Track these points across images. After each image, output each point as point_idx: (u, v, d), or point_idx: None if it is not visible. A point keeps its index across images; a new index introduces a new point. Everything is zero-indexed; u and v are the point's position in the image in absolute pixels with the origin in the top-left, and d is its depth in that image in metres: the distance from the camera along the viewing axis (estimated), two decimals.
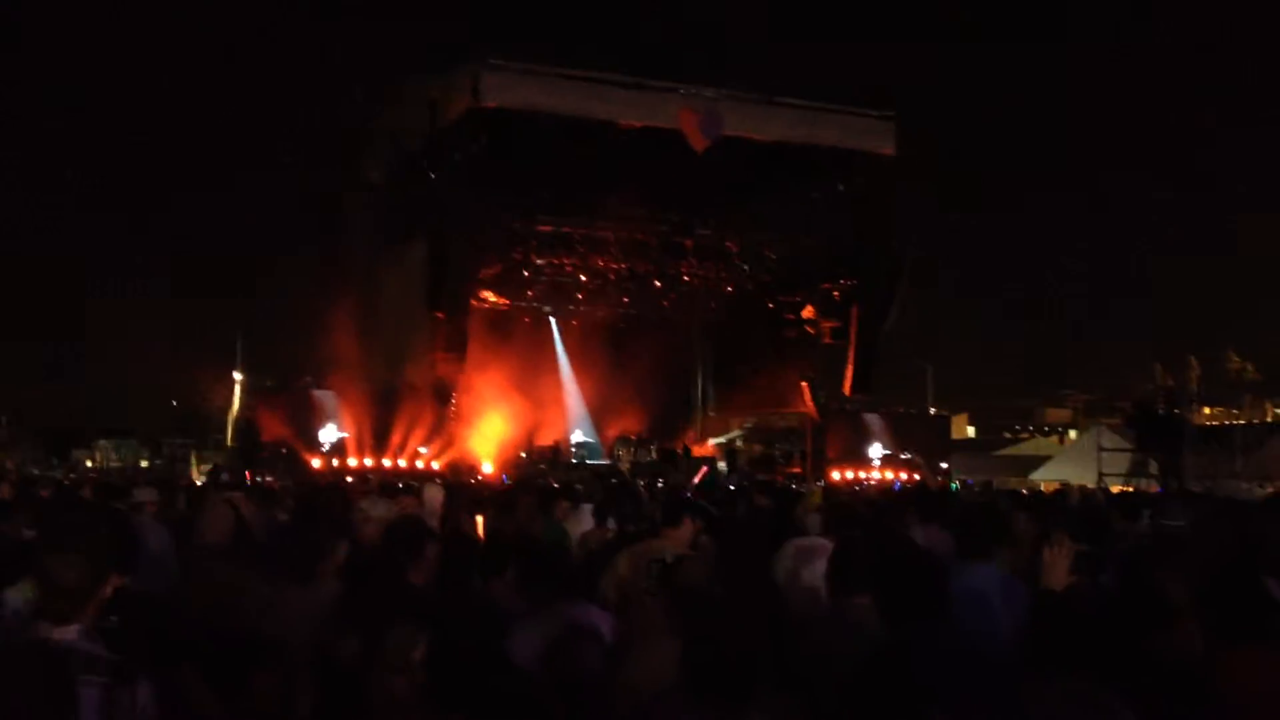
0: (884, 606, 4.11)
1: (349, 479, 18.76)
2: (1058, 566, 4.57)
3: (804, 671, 3.75)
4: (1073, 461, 33.39)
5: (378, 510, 7.14)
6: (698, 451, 28.31)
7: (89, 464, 36.32)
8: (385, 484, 12.10)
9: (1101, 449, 26.89)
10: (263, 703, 3.78)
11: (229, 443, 30.10)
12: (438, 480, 13.82)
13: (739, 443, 29.96)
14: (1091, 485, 22.42)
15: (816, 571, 4.83)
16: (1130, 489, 20.75)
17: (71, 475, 26.36)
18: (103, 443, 39.21)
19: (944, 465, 28.52)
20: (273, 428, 24.10)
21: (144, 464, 36.48)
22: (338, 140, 24.89)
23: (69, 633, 2.99)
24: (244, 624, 4.45)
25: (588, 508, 9.01)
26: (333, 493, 11.37)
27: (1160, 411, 24.44)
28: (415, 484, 11.99)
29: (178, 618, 4.11)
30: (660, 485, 18.95)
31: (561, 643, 3.76)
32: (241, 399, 29.71)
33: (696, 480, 23.83)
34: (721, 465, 26.88)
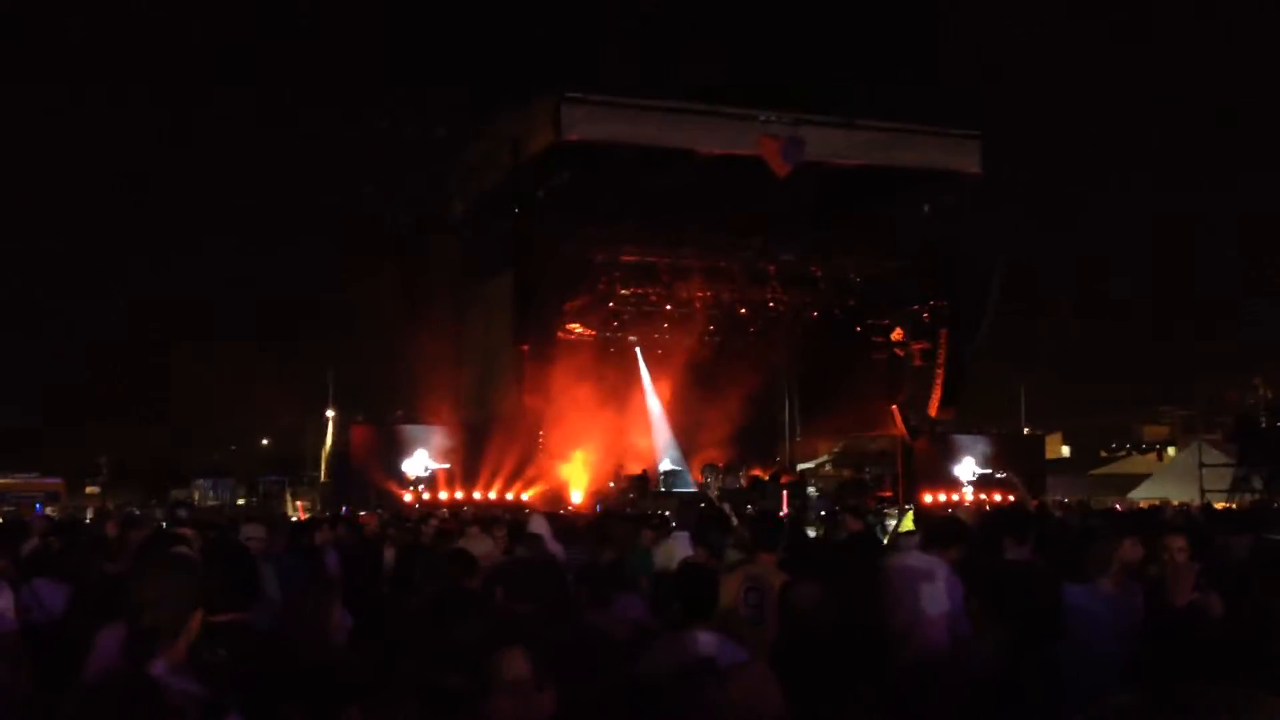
0: (1006, 626, 4.06)
1: (444, 512, 18.92)
2: (1182, 582, 4.49)
3: (917, 694, 3.73)
4: (1172, 479, 32.69)
5: (479, 549, 7.18)
6: (786, 478, 28.12)
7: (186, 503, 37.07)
8: (481, 517, 12.17)
9: (1202, 465, 26.29)
10: None
11: (322, 479, 30.56)
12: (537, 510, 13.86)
13: (828, 467, 29.73)
14: (1193, 502, 21.91)
15: (926, 591, 4.79)
16: (1234, 505, 20.23)
17: (179, 512, 26.92)
18: (200, 482, 40.03)
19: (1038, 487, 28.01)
20: (365, 463, 24.41)
21: (240, 502, 37.17)
22: (422, 178, 25.27)
23: (157, 668, 3.04)
24: (338, 658, 4.52)
25: (684, 535, 9.01)
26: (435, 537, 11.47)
27: (1262, 425, 23.84)
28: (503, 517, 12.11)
29: (280, 653, 4.18)
30: (750, 510, 18.84)
31: (689, 674, 3.76)
32: (334, 435, 30.14)
33: (787, 506, 23.71)
34: (812, 490, 26.68)
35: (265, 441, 49.58)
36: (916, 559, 6.52)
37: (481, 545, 7.63)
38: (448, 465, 23.79)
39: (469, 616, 4.11)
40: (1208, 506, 19.48)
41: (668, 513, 16.86)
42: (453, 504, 22.13)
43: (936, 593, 4.98)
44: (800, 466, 29.67)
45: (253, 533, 8.04)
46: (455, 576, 6.20)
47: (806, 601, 4.69)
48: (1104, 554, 5.30)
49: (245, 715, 3.08)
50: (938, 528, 7.93)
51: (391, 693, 3.87)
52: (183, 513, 17.05)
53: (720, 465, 27.82)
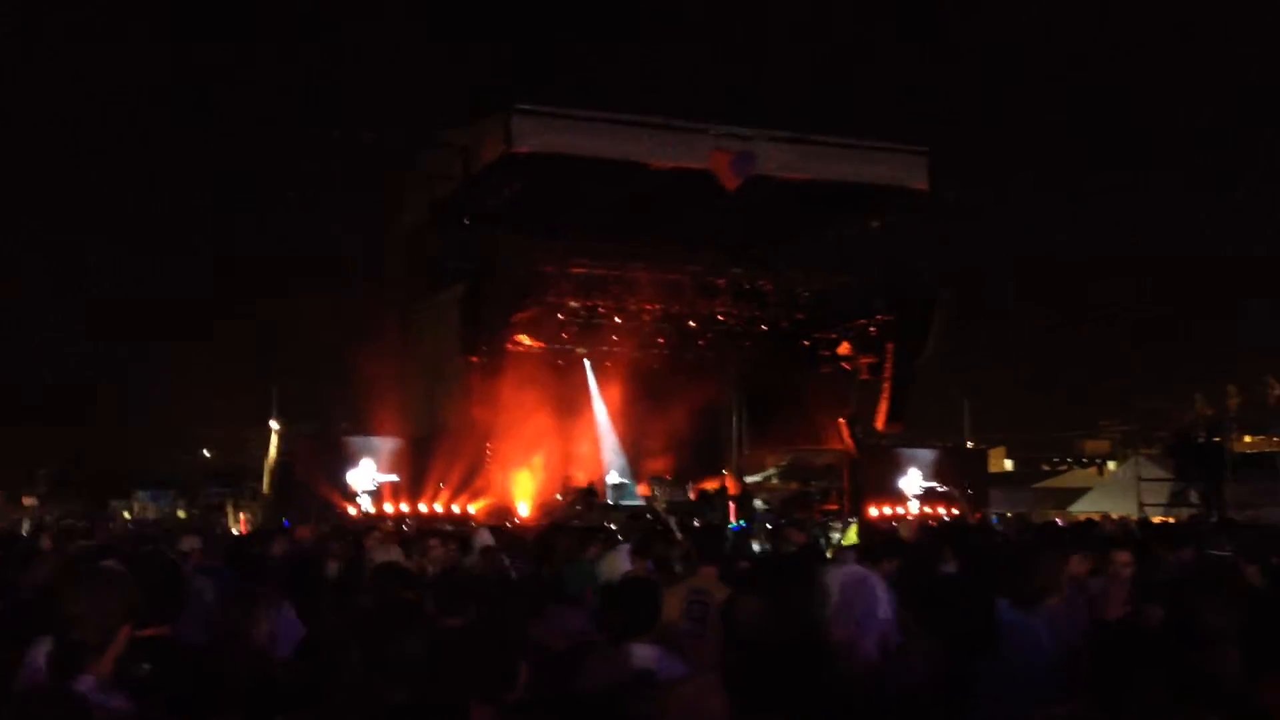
0: (936, 640, 4.10)
1: (389, 525, 18.79)
2: (1116, 595, 4.56)
3: (855, 707, 3.74)
4: (1112, 493, 33.08)
5: (382, 555, 7.15)
6: (733, 491, 28.19)
7: (126, 515, 36.52)
8: (432, 530, 12.08)
9: (1141, 479, 26.64)
10: None
11: (265, 491, 30.22)
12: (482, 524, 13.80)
13: (775, 480, 29.86)
14: (1131, 516, 22.20)
15: (864, 603, 4.82)
16: (1171, 519, 20.53)
17: (111, 525, 26.50)
18: (140, 494, 39.40)
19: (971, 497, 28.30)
20: (310, 475, 24.19)
21: (181, 515, 36.63)
22: (372, 188, 25.14)
23: (84, 684, 2.99)
24: (275, 669, 4.48)
25: (625, 548, 9.01)
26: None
27: (1200, 440, 24.19)
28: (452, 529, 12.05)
29: (209, 666, 4.14)
30: (696, 524, 18.89)
31: (625, 686, 3.76)
32: (278, 447, 29.83)
33: (735, 519, 23.78)
34: (758, 503, 26.77)
35: (207, 453, 48.94)
36: (852, 572, 6.59)
37: (388, 553, 7.58)
38: (396, 477, 23.63)
39: (410, 630, 4.09)
40: (1145, 520, 19.76)
41: (614, 525, 16.82)
42: (398, 516, 21.99)
43: (871, 606, 5.01)
44: (747, 480, 29.76)
45: (190, 545, 7.97)
46: (386, 589, 6.17)
47: (749, 616, 4.71)
48: (1051, 570, 5.37)
49: None
50: (873, 541, 8.02)
51: (332, 705, 3.85)
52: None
53: (668, 478, 27.87)
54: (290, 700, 3.91)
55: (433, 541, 9.64)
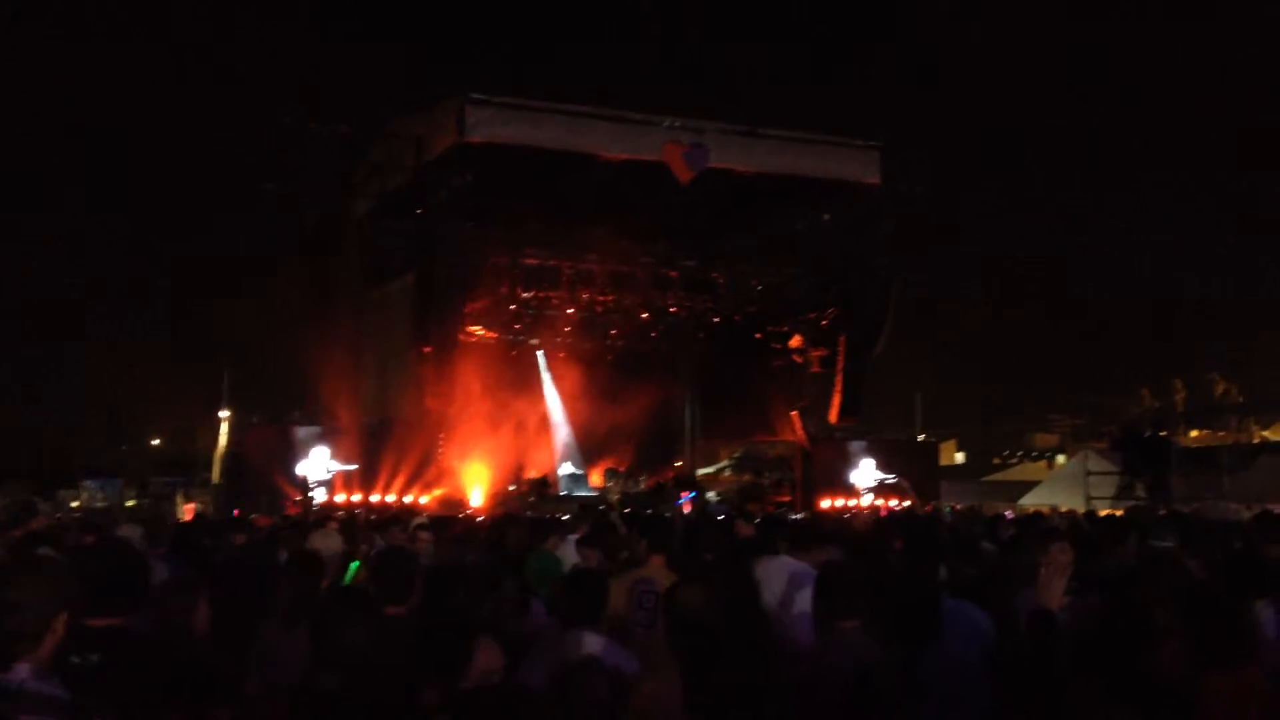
0: (880, 630, 4.15)
1: (341, 514, 18.68)
2: (1053, 586, 4.62)
3: (793, 698, 3.78)
4: (1061, 486, 33.47)
5: (327, 545, 7.13)
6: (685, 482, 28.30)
7: (74, 504, 36.07)
8: (380, 520, 12.01)
9: (1089, 473, 26.97)
10: None
11: (215, 480, 29.98)
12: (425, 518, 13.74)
13: (728, 472, 29.99)
14: (1079, 509, 22.45)
15: (808, 597, 4.86)
16: (1118, 512, 20.79)
17: (58, 515, 26.17)
18: (88, 483, 38.91)
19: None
20: (260, 464, 24.00)
21: (130, 503, 36.24)
22: (324, 177, 24.93)
23: (19, 673, 2.99)
24: (206, 660, 4.47)
25: (572, 539, 9.03)
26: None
27: (1147, 434, 24.53)
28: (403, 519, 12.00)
29: (155, 656, 4.12)
30: (649, 514, 18.93)
31: (573, 673, 3.78)
32: (228, 435, 29.60)
33: (687, 509, 23.85)
34: (712, 494, 26.87)
35: (156, 441, 48.48)
36: (786, 562, 6.67)
37: (329, 542, 7.53)
38: (352, 466, 23.48)
39: (353, 617, 4.08)
40: (1092, 513, 19.99)
41: (566, 517, 16.83)
42: (349, 506, 21.86)
43: (804, 594, 5.08)
44: (700, 471, 29.88)
45: (129, 533, 7.89)
46: (304, 578, 6.15)
47: (691, 603, 4.74)
48: (1029, 563, 5.43)
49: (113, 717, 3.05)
50: (805, 531, 8.09)
51: (262, 694, 3.84)
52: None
53: (621, 470, 27.93)
54: (222, 690, 3.90)
55: (423, 535, 9.52)
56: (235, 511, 20.69)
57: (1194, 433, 43.40)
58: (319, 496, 22.88)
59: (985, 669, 4.20)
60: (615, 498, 25.51)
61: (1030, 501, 33.30)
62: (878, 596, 4.30)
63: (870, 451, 28.23)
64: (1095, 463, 28.62)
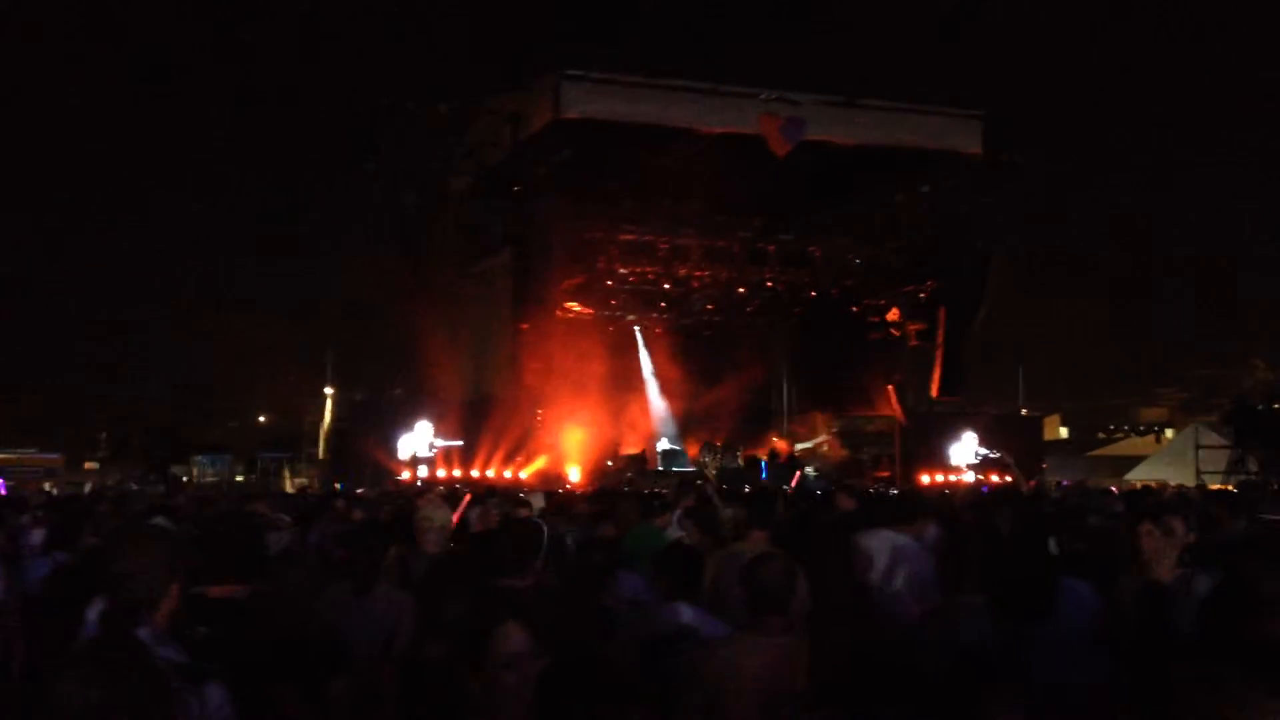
0: (995, 604, 4.08)
1: (441, 489, 18.95)
2: (1165, 558, 4.51)
3: (907, 672, 3.74)
4: (1169, 461, 32.73)
5: (439, 517, 7.15)
6: (784, 457, 28.14)
7: (185, 479, 37.11)
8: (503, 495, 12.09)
9: (1199, 446, 26.35)
10: (339, 708, 3.85)
11: (321, 456, 30.59)
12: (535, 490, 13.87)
13: (826, 448, 29.77)
14: (1189, 484, 21.94)
15: (909, 570, 4.82)
16: (1229, 487, 20.27)
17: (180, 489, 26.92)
18: (198, 459, 40.00)
19: (1043, 466, 28.05)
20: (363, 441, 24.42)
21: (239, 479, 37.19)
22: (422, 155, 25.20)
23: (139, 635, 3.07)
24: (319, 631, 4.54)
25: (674, 514, 9.04)
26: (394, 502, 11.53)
27: (1260, 407, 23.86)
28: (506, 494, 12.10)
29: (265, 626, 4.20)
30: (746, 490, 18.89)
31: (667, 643, 3.80)
32: (333, 413, 30.16)
33: (793, 484, 23.75)
34: (810, 470, 26.71)
35: (263, 418, 49.59)
36: (887, 536, 6.60)
37: (440, 514, 7.56)
38: (454, 442, 23.79)
39: (458, 588, 4.14)
40: (1203, 488, 19.52)
41: (664, 491, 16.87)
42: (449, 481, 22.15)
43: (904, 567, 5.02)
44: (798, 446, 29.72)
45: (261, 510, 8.07)
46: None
47: (772, 576, 4.72)
48: (1138, 538, 5.33)
49: (231, 687, 3.10)
50: (906, 504, 7.99)
51: (374, 663, 3.91)
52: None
53: (718, 444, 27.88)
54: (335, 662, 3.97)
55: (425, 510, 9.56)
56: (340, 486, 21.09)
57: None
58: (422, 472, 23.25)
59: (1094, 645, 4.12)
60: (712, 472, 25.48)
61: (1137, 476, 32.62)
62: (988, 571, 4.24)
63: (971, 426, 27.84)
64: (1205, 437, 27.95)
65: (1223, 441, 25.58)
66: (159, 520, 7.28)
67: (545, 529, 5.92)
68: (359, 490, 18.41)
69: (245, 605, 4.24)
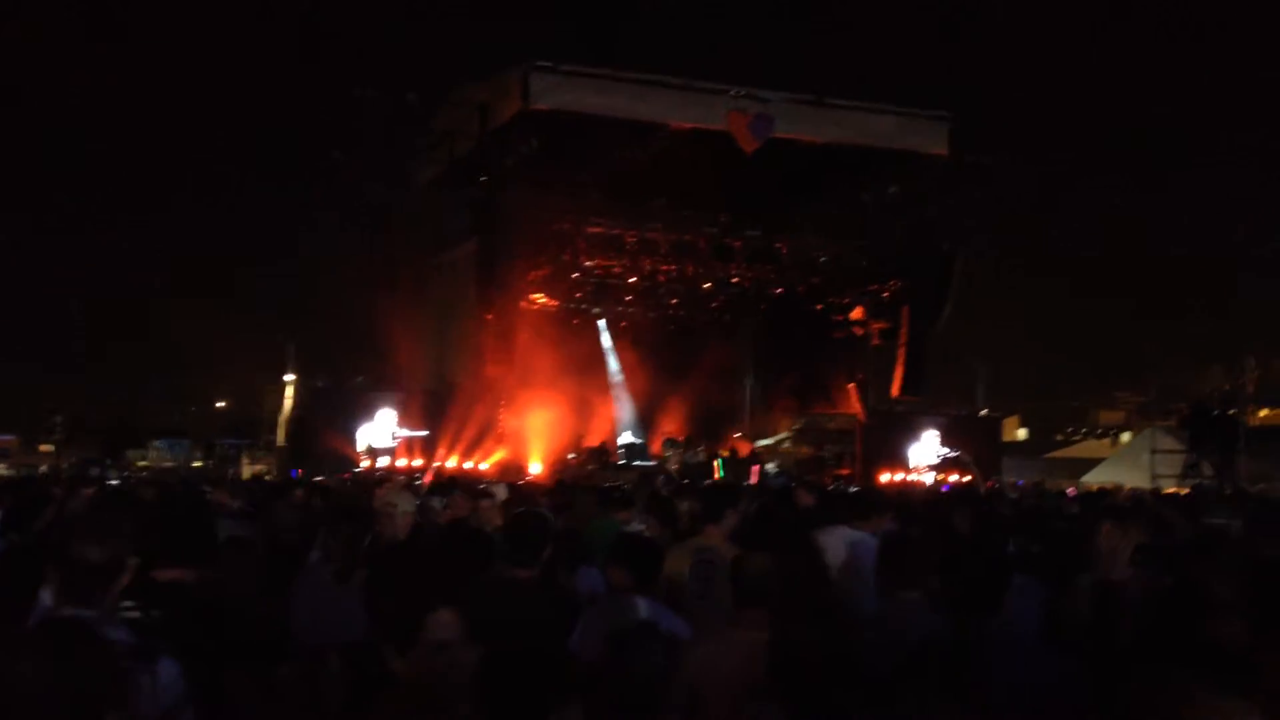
0: (945, 599, 4.12)
1: (401, 479, 18.88)
2: (1119, 557, 4.58)
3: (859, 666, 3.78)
4: (1125, 463, 33.03)
5: (403, 504, 7.14)
6: (745, 453, 28.24)
7: (141, 464, 36.80)
8: (464, 486, 12.06)
9: (1155, 450, 26.61)
10: (291, 692, 3.85)
11: (279, 443, 30.41)
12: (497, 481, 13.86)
13: (788, 444, 29.90)
14: (1144, 487, 22.17)
15: (867, 566, 4.86)
16: (1184, 491, 20.50)
17: (126, 474, 26.72)
18: (156, 444, 39.66)
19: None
20: (323, 429, 24.31)
21: (197, 464, 36.91)
22: (389, 144, 25.07)
23: (86, 615, 3.06)
24: (269, 615, 4.53)
25: (635, 509, 9.05)
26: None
27: (1215, 412, 24.10)
28: (468, 485, 12.08)
29: (213, 609, 4.19)
30: (706, 485, 18.95)
31: (627, 638, 3.80)
32: (293, 400, 29.98)
33: (754, 480, 23.82)
34: (770, 466, 26.81)
35: (222, 404, 49.25)
36: (845, 532, 6.65)
37: (404, 501, 7.54)
38: (418, 432, 23.72)
39: (404, 578, 4.13)
40: (1157, 491, 19.72)
41: (625, 485, 16.89)
42: (409, 471, 22.09)
43: (863, 562, 5.07)
44: (760, 443, 29.81)
45: (217, 497, 8.02)
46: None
47: (758, 572, 4.76)
48: (1094, 539, 5.39)
49: (181, 666, 3.10)
50: (864, 501, 8.06)
51: (320, 649, 3.89)
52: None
53: (680, 439, 27.93)
54: (281, 648, 3.96)
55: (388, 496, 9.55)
56: (295, 473, 20.98)
57: (1263, 412, 42.58)
58: (383, 461, 23.17)
59: (1047, 642, 4.17)
60: (674, 467, 25.54)
61: (1093, 479, 32.91)
62: (946, 568, 4.28)
63: (932, 426, 28.04)
64: (1161, 440, 28.21)
65: (1178, 446, 25.81)
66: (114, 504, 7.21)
67: (551, 520, 5.95)
68: (319, 478, 18.31)
69: (193, 590, 4.22)
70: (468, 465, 23.39)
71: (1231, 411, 24.75)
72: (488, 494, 9.82)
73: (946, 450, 27.29)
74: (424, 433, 23.60)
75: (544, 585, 5.43)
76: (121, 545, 3.24)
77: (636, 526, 8.36)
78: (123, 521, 3.36)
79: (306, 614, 5.32)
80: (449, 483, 12.47)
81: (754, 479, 24.24)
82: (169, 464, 36.12)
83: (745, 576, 4.73)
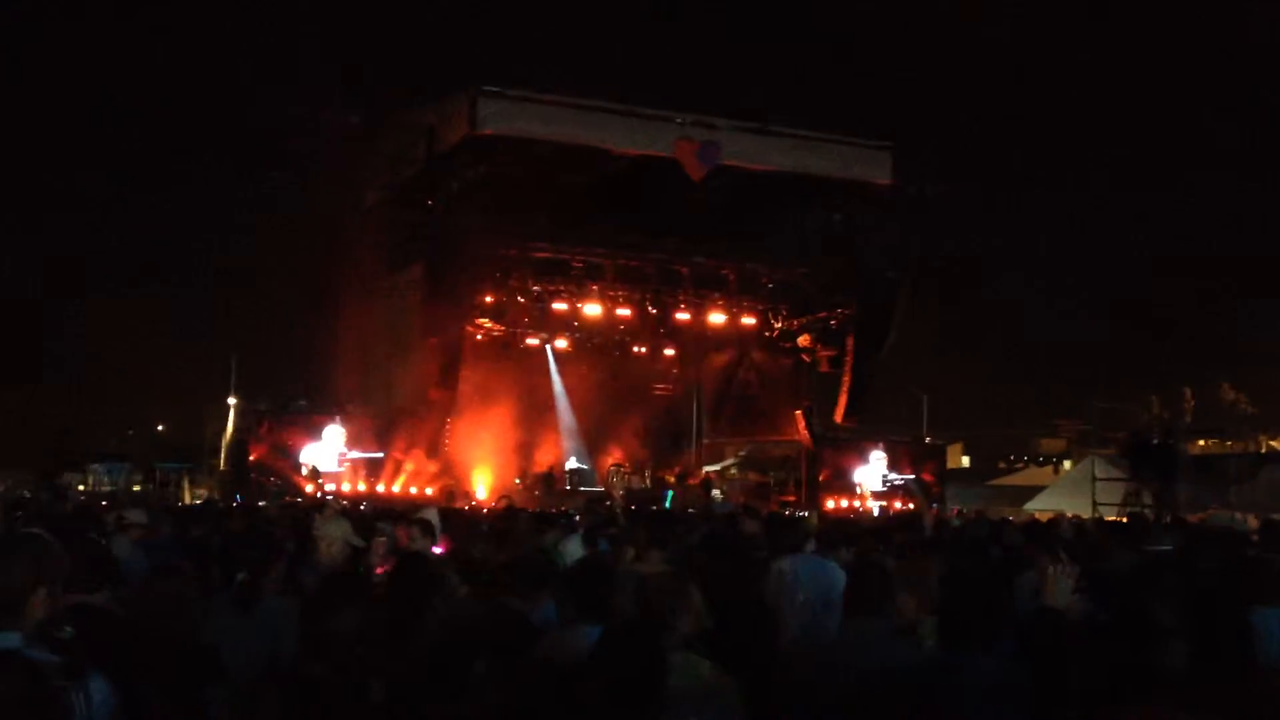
0: (943, 627, 4.12)
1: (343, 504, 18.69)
2: (1061, 585, 4.61)
3: (805, 692, 3.76)
4: (1067, 491, 33.30)
5: (331, 530, 7.08)
6: (691, 480, 28.26)
7: (80, 488, 36.12)
8: (389, 513, 11.96)
9: (1096, 479, 26.88)
10: (217, 714, 3.80)
11: (222, 467, 29.97)
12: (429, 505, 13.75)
13: (734, 471, 29.94)
14: (1085, 515, 22.38)
15: (818, 592, 4.85)
16: (1124, 519, 20.72)
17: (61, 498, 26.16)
18: (95, 466, 38.95)
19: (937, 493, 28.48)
20: (266, 452, 24.03)
21: (136, 488, 36.26)
22: (335, 167, 24.90)
23: (10, 640, 3.05)
24: (195, 638, 4.46)
25: (577, 534, 9.02)
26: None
27: (1155, 442, 24.40)
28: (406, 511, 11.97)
29: (133, 633, 4.13)
30: (653, 510, 18.93)
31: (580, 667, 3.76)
32: (235, 423, 29.58)
33: (699, 506, 23.83)
34: (717, 493, 26.83)
35: (162, 427, 48.52)
36: (807, 560, 6.66)
37: (334, 528, 7.46)
38: (363, 455, 23.51)
39: (347, 606, 4.07)
40: (1099, 519, 19.91)
41: (572, 511, 16.83)
42: (354, 496, 21.87)
43: (826, 589, 5.07)
44: (706, 469, 29.85)
45: (135, 518, 7.91)
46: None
47: (658, 596, 4.72)
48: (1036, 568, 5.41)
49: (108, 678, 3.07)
50: (830, 532, 8.08)
51: (256, 683, 3.83)
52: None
53: (626, 465, 27.90)
54: (212, 672, 3.90)
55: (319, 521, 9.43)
56: (238, 498, 20.71)
57: (1202, 441, 43.21)
58: (329, 485, 22.92)
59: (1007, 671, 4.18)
60: (620, 493, 25.50)
61: (1036, 507, 33.19)
62: (946, 599, 4.26)
63: (876, 452, 28.21)
64: (1102, 469, 28.49)
65: (1119, 474, 26.10)
66: (36, 529, 7.07)
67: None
68: (260, 503, 18.07)
69: (99, 613, 4.17)
70: (413, 490, 23.20)
71: (1171, 441, 25.07)
72: (428, 526, 9.74)
73: (894, 476, 27.46)
74: (361, 455, 23.39)
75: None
76: (30, 572, 3.23)
77: (579, 552, 8.32)
78: (30, 548, 3.34)
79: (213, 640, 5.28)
80: (384, 510, 12.35)
81: (701, 504, 24.25)
82: (108, 488, 35.47)
83: (645, 600, 4.71)
